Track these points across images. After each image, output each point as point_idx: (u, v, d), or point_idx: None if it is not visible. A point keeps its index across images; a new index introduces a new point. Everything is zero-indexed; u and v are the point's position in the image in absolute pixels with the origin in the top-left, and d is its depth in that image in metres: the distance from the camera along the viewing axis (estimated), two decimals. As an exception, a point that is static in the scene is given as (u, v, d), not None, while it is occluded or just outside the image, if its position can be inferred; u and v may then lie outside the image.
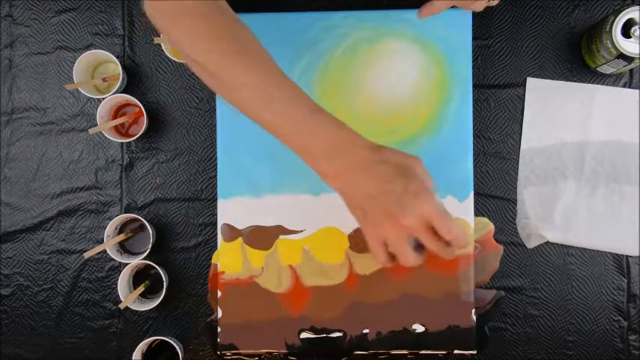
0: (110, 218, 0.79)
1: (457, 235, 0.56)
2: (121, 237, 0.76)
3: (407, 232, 0.55)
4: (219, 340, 0.77)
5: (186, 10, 0.56)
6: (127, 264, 0.76)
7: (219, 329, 0.77)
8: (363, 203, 0.56)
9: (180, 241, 0.79)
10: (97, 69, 0.80)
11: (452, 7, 0.71)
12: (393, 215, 0.55)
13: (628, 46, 0.68)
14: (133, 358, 0.75)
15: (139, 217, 0.76)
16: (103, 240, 0.77)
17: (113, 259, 0.77)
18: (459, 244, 0.57)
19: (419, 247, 0.58)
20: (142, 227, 0.77)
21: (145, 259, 0.77)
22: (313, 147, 0.56)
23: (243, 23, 0.59)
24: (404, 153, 0.57)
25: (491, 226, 0.77)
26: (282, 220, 0.77)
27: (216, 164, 0.78)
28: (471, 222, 0.75)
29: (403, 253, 0.57)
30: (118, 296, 0.77)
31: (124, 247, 0.79)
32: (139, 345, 0.75)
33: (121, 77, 0.76)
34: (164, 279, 0.76)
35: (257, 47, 0.58)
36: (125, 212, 0.79)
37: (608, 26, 0.68)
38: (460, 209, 0.75)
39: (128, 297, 0.74)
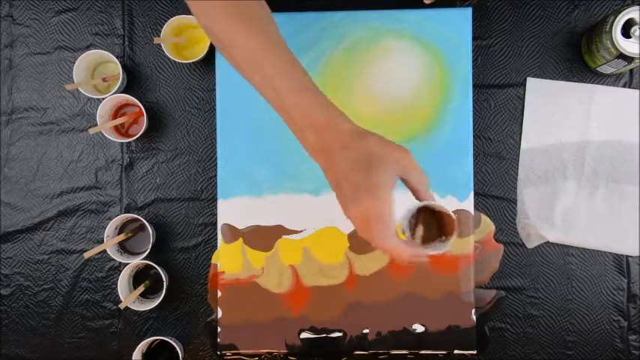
0: (110, 218, 0.79)
1: (388, 248, 0.55)
2: (121, 237, 0.76)
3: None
4: (219, 340, 0.77)
5: None
6: (127, 264, 0.76)
7: (219, 329, 0.77)
8: (335, 177, 0.56)
9: (180, 241, 0.79)
10: (97, 69, 0.80)
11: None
12: (353, 197, 0.55)
13: (628, 46, 0.68)
14: (133, 358, 0.75)
15: (139, 217, 0.76)
16: (103, 240, 0.77)
17: (113, 259, 0.77)
18: (397, 258, 0.57)
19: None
20: (142, 227, 0.77)
21: (145, 259, 0.77)
22: (296, 121, 0.56)
23: None
24: (390, 144, 0.56)
25: (492, 227, 0.77)
26: (282, 220, 0.77)
27: (216, 164, 0.78)
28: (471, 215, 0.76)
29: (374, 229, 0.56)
30: (118, 296, 0.77)
31: (124, 247, 0.79)
32: (139, 345, 0.75)
33: (121, 77, 0.76)
34: (164, 279, 0.76)
35: (262, 15, 0.59)
36: (125, 212, 0.79)
37: (608, 26, 0.68)
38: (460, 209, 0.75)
39: (128, 297, 0.74)
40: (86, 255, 0.73)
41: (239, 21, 0.57)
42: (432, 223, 0.60)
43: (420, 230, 0.59)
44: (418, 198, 0.58)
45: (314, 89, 0.57)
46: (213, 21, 0.58)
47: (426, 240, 0.59)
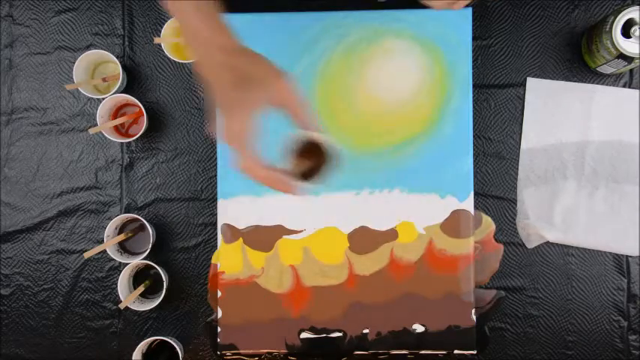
0: (110, 218, 0.79)
1: (250, 166, 0.55)
2: (121, 237, 0.76)
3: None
4: (219, 340, 0.77)
5: None
6: (127, 264, 0.76)
7: (219, 329, 0.77)
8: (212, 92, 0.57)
9: (180, 241, 0.79)
10: (97, 69, 0.80)
11: None
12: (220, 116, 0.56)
13: (628, 46, 0.68)
14: (133, 358, 0.75)
15: (139, 217, 0.76)
16: (103, 240, 0.77)
17: (113, 259, 0.77)
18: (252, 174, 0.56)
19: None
20: (142, 227, 0.77)
21: (145, 259, 0.77)
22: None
23: None
24: (265, 65, 0.56)
25: (493, 226, 0.77)
26: (282, 220, 0.77)
27: (216, 164, 0.78)
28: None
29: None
30: (118, 296, 0.77)
31: (124, 247, 0.79)
32: (139, 345, 0.75)
33: (121, 77, 0.76)
34: (164, 279, 0.76)
35: None
36: (125, 212, 0.79)
37: (608, 26, 0.68)
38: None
39: (128, 297, 0.74)
40: (86, 255, 0.73)
41: None
42: (311, 155, 0.58)
43: (296, 160, 0.58)
44: (301, 127, 0.57)
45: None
46: None
47: (301, 171, 0.58)
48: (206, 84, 0.57)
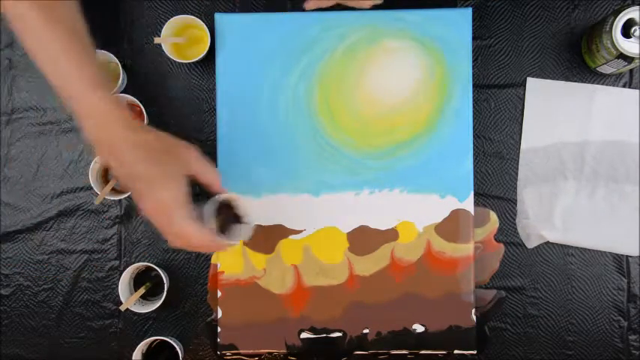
0: (110, 218, 0.79)
1: (188, 230, 0.59)
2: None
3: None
4: (219, 340, 0.77)
5: None
6: (127, 265, 0.76)
7: (219, 329, 0.77)
8: (130, 178, 0.59)
9: (180, 241, 0.79)
10: (97, 69, 0.80)
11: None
12: (141, 196, 0.59)
13: (628, 46, 0.68)
14: (133, 358, 0.75)
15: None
16: (102, 240, 0.78)
17: (113, 259, 0.77)
18: (191, 238, 0.60)
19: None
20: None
21: (143, 259, 0.77)
22: (83, 114, 0.58)
23: None
24: (172, 140, 0.61)
25: (496, 225, 0.77)
26: (282, 220, 0.77)
27: (215, 164, 0.78)
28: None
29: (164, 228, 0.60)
30: (118, 296, 0.77)
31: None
32: (139, 345, 0.75)
33: (121, 77, 0.76)
34: (165, 281, 0.76)
35: (67, 9, 0.59)
36: (125, 213, 0.79)
37: (608, 26, 0.68)
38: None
39: (129, 299, 0.74)
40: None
41: (43, 9, 0.57)
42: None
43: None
44: (213, 193, 0.65)
45: (101, 88, 0.58)
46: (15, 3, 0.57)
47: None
48: (118, 167, 0.59)
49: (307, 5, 0.73)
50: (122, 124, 0.58)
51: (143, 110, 0.75)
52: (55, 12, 0.58)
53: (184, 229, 0.59)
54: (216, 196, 0.66)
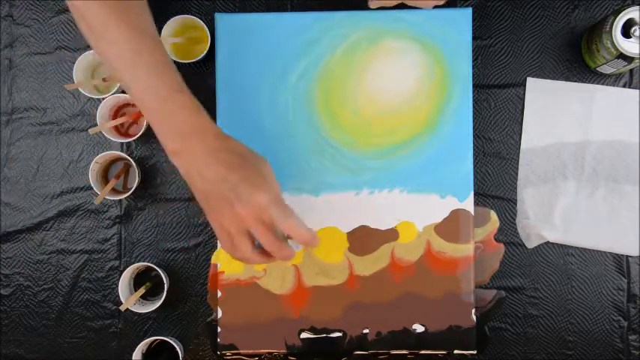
0: (110, 218, 0.79)
1: (294, 227, 0.56)
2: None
3: (243, 223, 0.56)
4: (219, 340, 0.77)
5: None
6: (127, 265, 0.76)
7: (219, 329, 0.77)
8: (204, 187, 0.57)
9: (180, 241, 0.79)
10: (97, 69, 0.80)
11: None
12: (230, 203, 0.55)
13: (628, 46, 0.68)
14: (133, 358, 0.75)
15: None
16: (102, 240, 0.78)
17: (113, 259, 0.77)
18: (300, 238, 0.57)
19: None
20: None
21: (143, 259, 0.77)
22: (165, 125, 0.57)
23: None
24: (252, 150, 0.59)
25: (496, 225, 0.77)
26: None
27: (216, 164, 0.78)
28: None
29: (238, 245, 0.57)
30: (118, 296, 0.77)
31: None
32: (139, 345, 0.75)
33: (121, 77, 0.76)
34: (165, 281, 0.76)
35: (140, 10, 0.58)
36: (125, 213, 0.79)
37: (608, 26, 0.68)
38: (460, 209, 0.76)
39: (129, 299, 0.74)
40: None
41: (115, 10, 0.55)
42: None
43: None
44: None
45: (185, 90, 0.58)
46: (86, 4, 0.55)
47: None
48: (198, 180, 0.56)
49: (372, 4, 0.73)
50: (205, 135, 0.57)
51: (143, 110, 0.75)
52: (129, 13, 0.55)
53: (292, 225, 0.56)
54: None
